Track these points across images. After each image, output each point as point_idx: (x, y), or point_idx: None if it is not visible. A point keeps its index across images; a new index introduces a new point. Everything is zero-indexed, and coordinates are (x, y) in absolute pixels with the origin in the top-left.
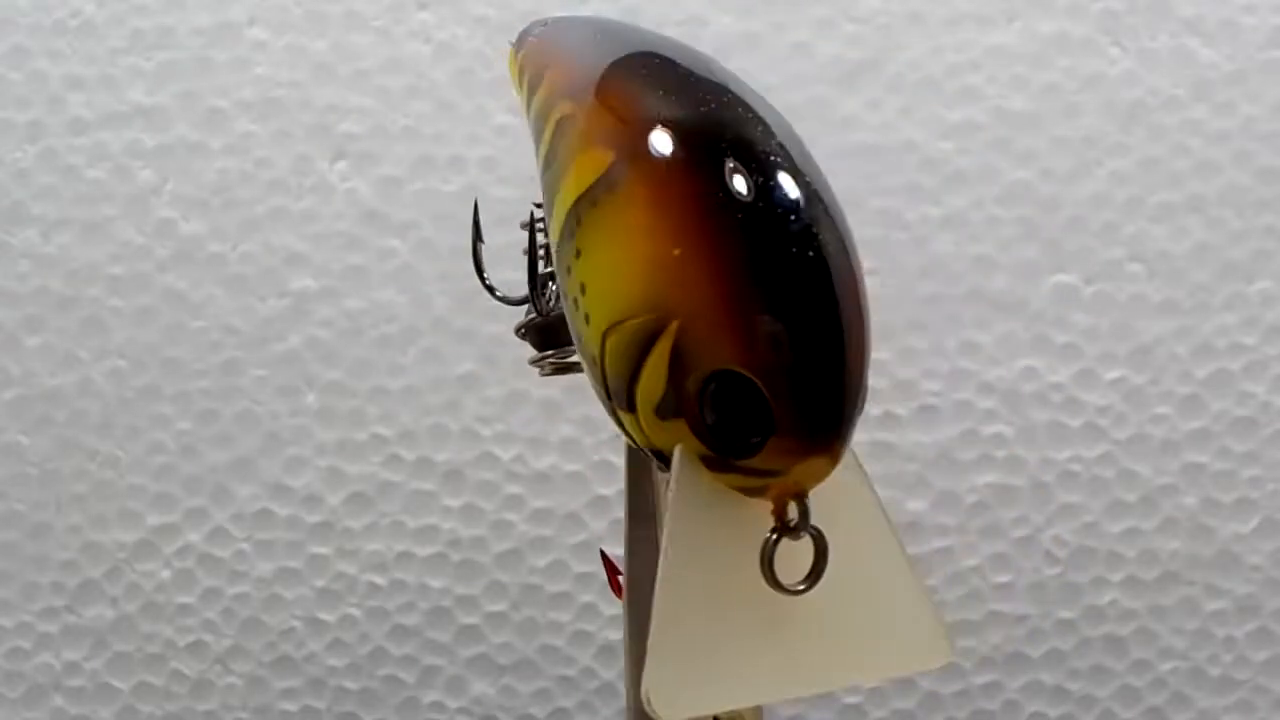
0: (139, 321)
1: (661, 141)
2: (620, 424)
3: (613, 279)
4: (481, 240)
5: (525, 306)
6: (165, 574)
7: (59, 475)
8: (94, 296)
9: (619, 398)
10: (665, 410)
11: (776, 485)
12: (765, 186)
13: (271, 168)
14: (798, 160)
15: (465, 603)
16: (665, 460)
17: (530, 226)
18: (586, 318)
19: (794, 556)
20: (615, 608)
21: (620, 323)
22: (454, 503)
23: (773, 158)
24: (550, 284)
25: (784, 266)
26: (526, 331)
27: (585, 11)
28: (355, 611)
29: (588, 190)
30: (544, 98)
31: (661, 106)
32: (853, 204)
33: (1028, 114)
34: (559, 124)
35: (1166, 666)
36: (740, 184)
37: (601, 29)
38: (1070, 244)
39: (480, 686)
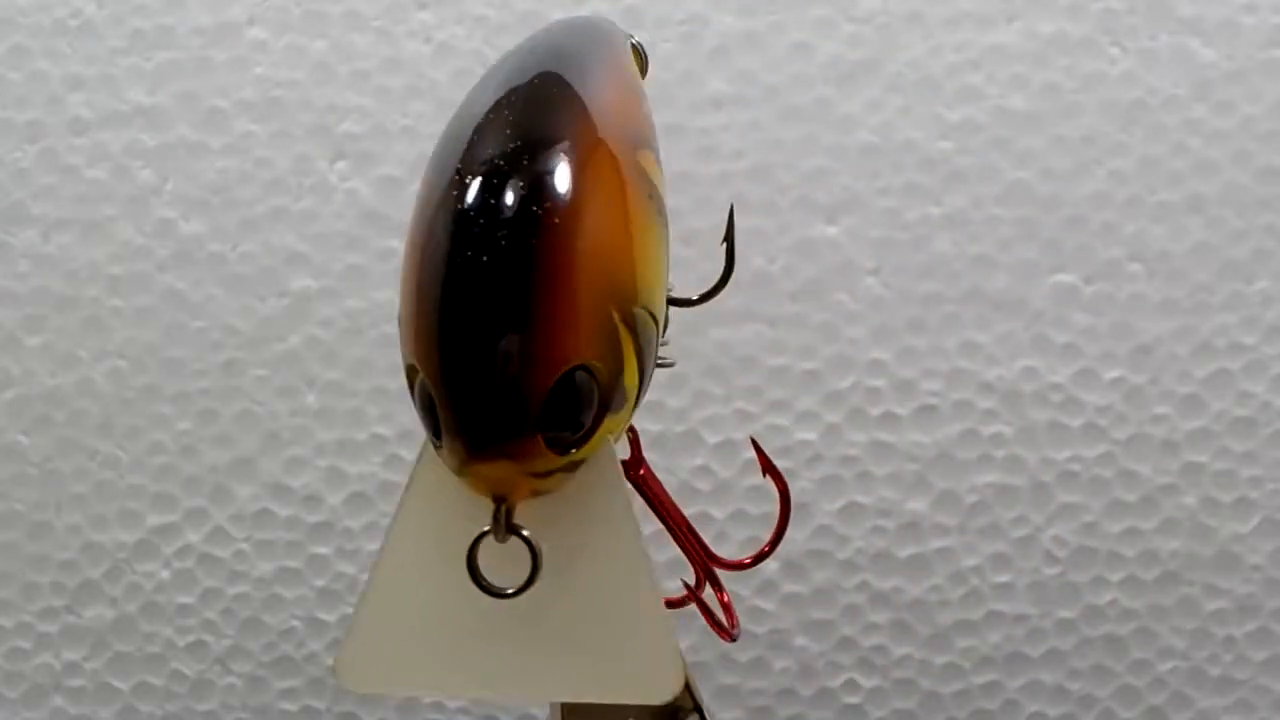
0: (139, 321)
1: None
2: None
3: None
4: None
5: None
6: (165, 574)
7: (59, 475)
8: (94, 296)
9: None
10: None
11: (471, 485)
12: (465, 192)
13: (271, 168)
14: (532, 167)
15: None
16: None
17: (729, 217)
18: None
19: (523, 562)
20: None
21: None
22: None
23: (497, 162)
24: None
25: (458, 268)
26: None
27: (584, 11)
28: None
29: None
30: None
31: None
32: (853, 204)
33: (1027, 114)
34: None
35: (1166, 666)
36: (448, 192)
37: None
38: (1070, 244)
39: None
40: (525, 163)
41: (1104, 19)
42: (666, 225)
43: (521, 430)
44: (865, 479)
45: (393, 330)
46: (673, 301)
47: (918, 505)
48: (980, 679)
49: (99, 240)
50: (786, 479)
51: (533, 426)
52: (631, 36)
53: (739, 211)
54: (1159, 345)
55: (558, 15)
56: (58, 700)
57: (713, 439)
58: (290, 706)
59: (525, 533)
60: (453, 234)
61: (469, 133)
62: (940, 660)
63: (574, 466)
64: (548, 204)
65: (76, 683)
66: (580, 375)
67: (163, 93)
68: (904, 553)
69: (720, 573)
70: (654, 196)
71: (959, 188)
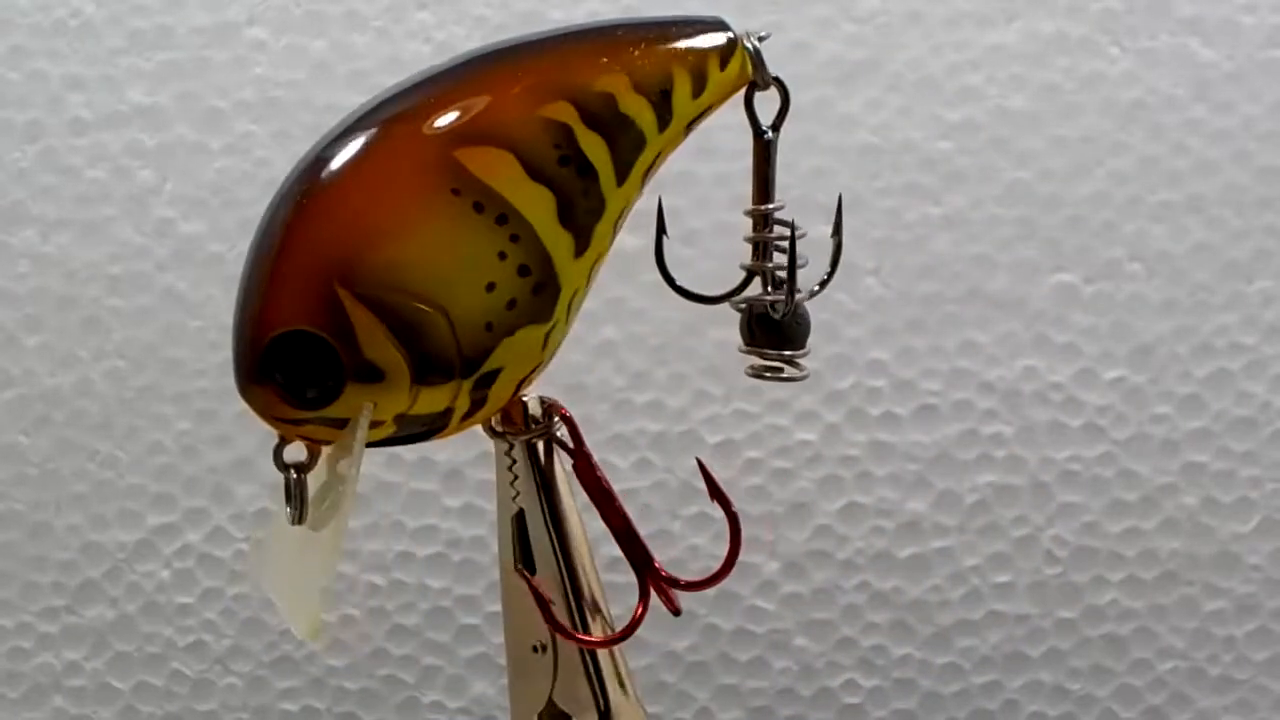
0: (139, 321)
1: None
2: None
3: None
4: (665, 234)
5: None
6: (165, 574)
7: (59, 475)
8: (94, 296)
9: None
10: None
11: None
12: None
13: (271, 168)
14: (326, 152)
15: (465, 603)
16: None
17: (791, 231)
18: None
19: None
20: (615, 607)
21: None
22: (454, 503)
23: (335, 134)
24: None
25: (252, 246)
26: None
27: (581, 12)
28: (355, 611)
29: None
30: None
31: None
32: (853, 204)
33: (1027, 114)
34: None
35: (1166, 666)
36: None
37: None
38: (1070, 243)
39: (480, 686)
40: (321, 153)
41: (1104, 19)
42: (492, 220)
43: (249, 379)
44: (865, 479)
45: None
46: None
47: (918, 505)
48: (980, 679)
49: (98, 240)
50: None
51: (256, 378)
52: (751, 35)
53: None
54: (1159, 345)
55: (558, 15)
56: (58, 700)
57: (713, 439)
58: (290, 706)
59: (286, 464)
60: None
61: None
62: (940, 660)
63: (338, 423)
64: (306, 187)
65: (77, 683)
66: (305, 338)
67: (162, 93)
68: (904, 553)
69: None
70: (462, 191)
71: (959, 188)
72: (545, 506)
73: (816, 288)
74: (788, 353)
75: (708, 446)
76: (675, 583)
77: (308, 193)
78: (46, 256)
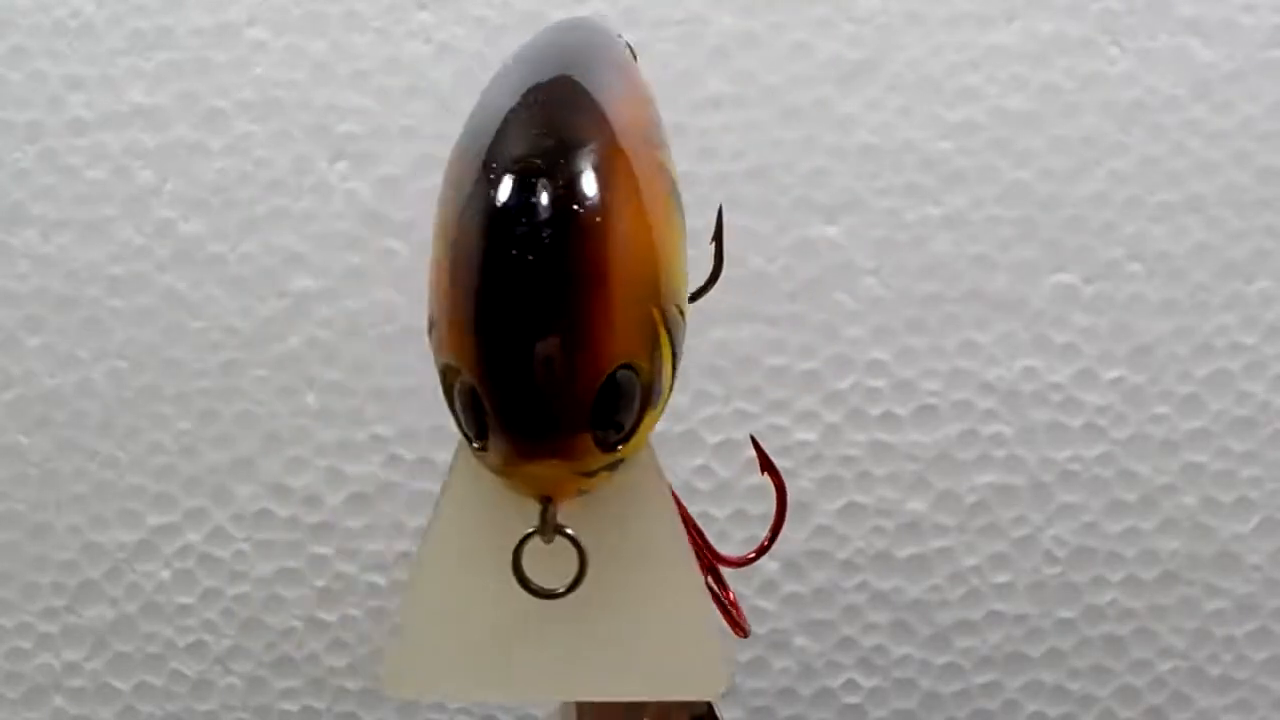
0: (139, 321)
1: (455, 148)
2: None
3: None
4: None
5: None
6: (165, 574)
7: (59, 475)
8: (94, 296)
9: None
10: (448, 403)
11: (517, 486)
12: (500, 191)
13: (271, 168)
14: (567, 166)
15: None
16: None
17: (719, 217)
18: None
19: (573, 561)
20: None
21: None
22: None
23: (525, 163)
24: None
25: (501, 268)
26: None
27: (584, 12)
28: (355, 611)
29: None
30: None
31: (471, 114)
32: (853, 204)
33: (1027, 114)
34: None
35: (1166, 666)
36: (485, 190)
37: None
38: (1070, 244)
39: None
40: (561, 162)
41: (1103, 19)
42: (685, 222)
43: (572, 430)
44: (865, 479)
45: (393, 330)
46: None
47: (918, 505)
48: (980, 679)
49: (99, 240)
50: (784, 478)
51: (582, 426)
52: (620, 36)
53: (739, 211)
54: (1159, 345)
55: (558, 15)
56: (58, 700)
57: (713, 439)
58: (290, 706)
59: (570, 532)
60: (491, 233)
61: (493, 128)
62: (940, 660)
63: (616, 464)
64: (586, 203)
65: (77, 683)
66: (624, 374)
67: (162, 93)
68: (904, 553)
69: (724, 571)
70: (674, 193)
71: (959, 188)
72: None
73: (696, 291)
74: None
75: (708, 446)
76: (745, 561)
77: (589, 211)
78: (47, 257)
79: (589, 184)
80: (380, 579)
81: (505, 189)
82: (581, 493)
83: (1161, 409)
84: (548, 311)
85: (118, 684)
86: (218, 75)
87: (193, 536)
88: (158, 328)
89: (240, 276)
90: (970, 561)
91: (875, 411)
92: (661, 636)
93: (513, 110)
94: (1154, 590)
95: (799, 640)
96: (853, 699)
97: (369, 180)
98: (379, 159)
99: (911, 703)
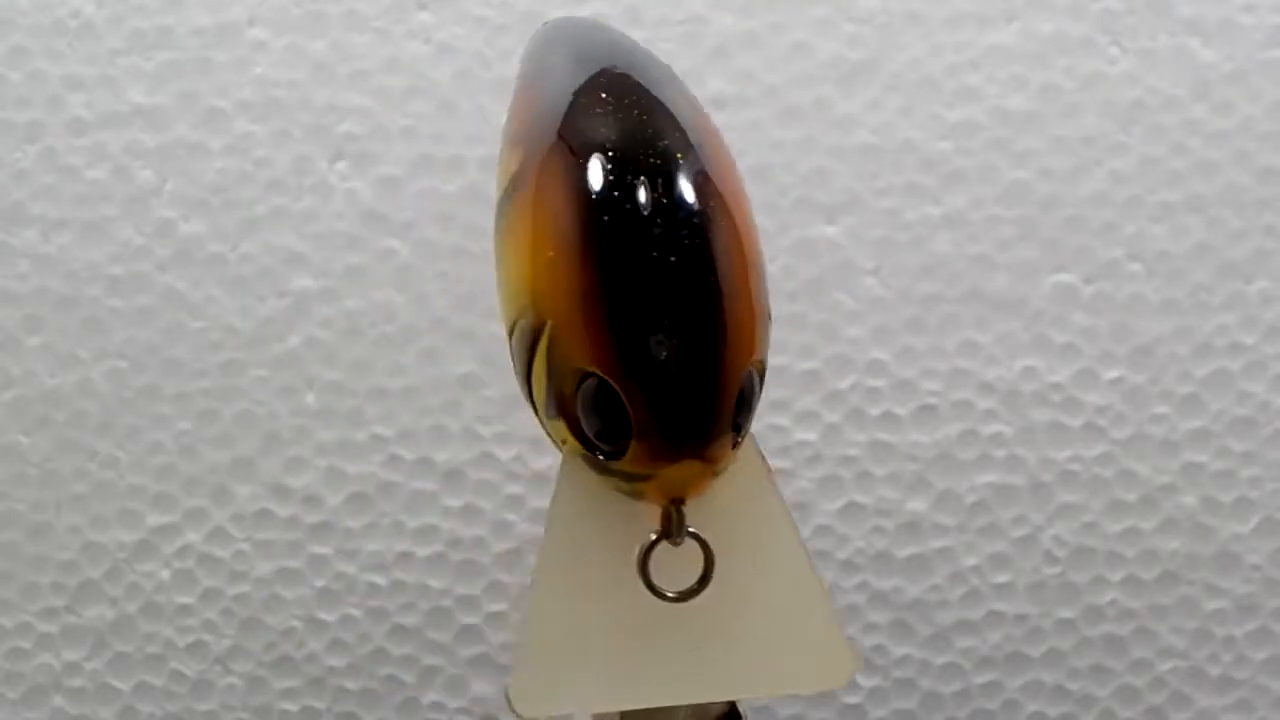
0: (139, 321)
1: (552, 145)
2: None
3: (509, 279)
4: None
5: None
6: (165, 574)
7: (59, 475)
8: (94, 296)
9: (524, 395)
10: (550, 410)
11: (650, 490)
12: (635, 190)
13: (271, 168)
14: (684, 162)
15: (465, 603)
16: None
17: None
18: (501, 315)
19: (686, 563)
20: None
21: (515, 322)
22: (454, 503)
23: (653, 160)
24: None
25: (643, 270)
26: None
27: (585, 11)
28: (355, 611)
29: (506, 188)
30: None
31: (558, 108)
32: (853, 204)
33: (1027, 114)
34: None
35: (1166, 666)
36: (613, 189)
37: (562, 30)
38: (1070, 244)
39: (480, 686)
40: (681, 160)
41: (1104, 19)
42: None
43: (719, 430)
44: (865, 479)
45: (393, 330)
46: None
47: (918, 505)
48: (980, 679)
49: (99, 240)
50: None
51: (726, 426)
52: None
53: None
54: (1159, 345)
55: (558, 15)
56: (58, 700)
57: None
58: (290, 706)
59: (693, 531)
60: (626, 235)
61: (563, 108)
62: (940, 660)
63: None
64: (712, 201)
65: (76, 683)
66: (752, 371)
67: (163, 93)
68: (904, 553)
69: None
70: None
71: (959, 188)
72: None
73: None
74: None
75: None
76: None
77: (719, 209)
78: (47, 257)
79: (711, 180)
80: (380, 579)
81: (636, 190)
82: (703, 492)
83: (1161, 409)
84: (695, 312)
85: (118, 684)
86: (218, 75)
87: (193, 536)
88: (158, 328)
89: (240, 276)
90: (970, 561)
91: (875, 411)
92: (787, 629)
93: (586, 90)
94: (1154, 590)
95: None
96: (853, 699)
97: (369, 180)
98: (379, 159)
99: (911, 703)
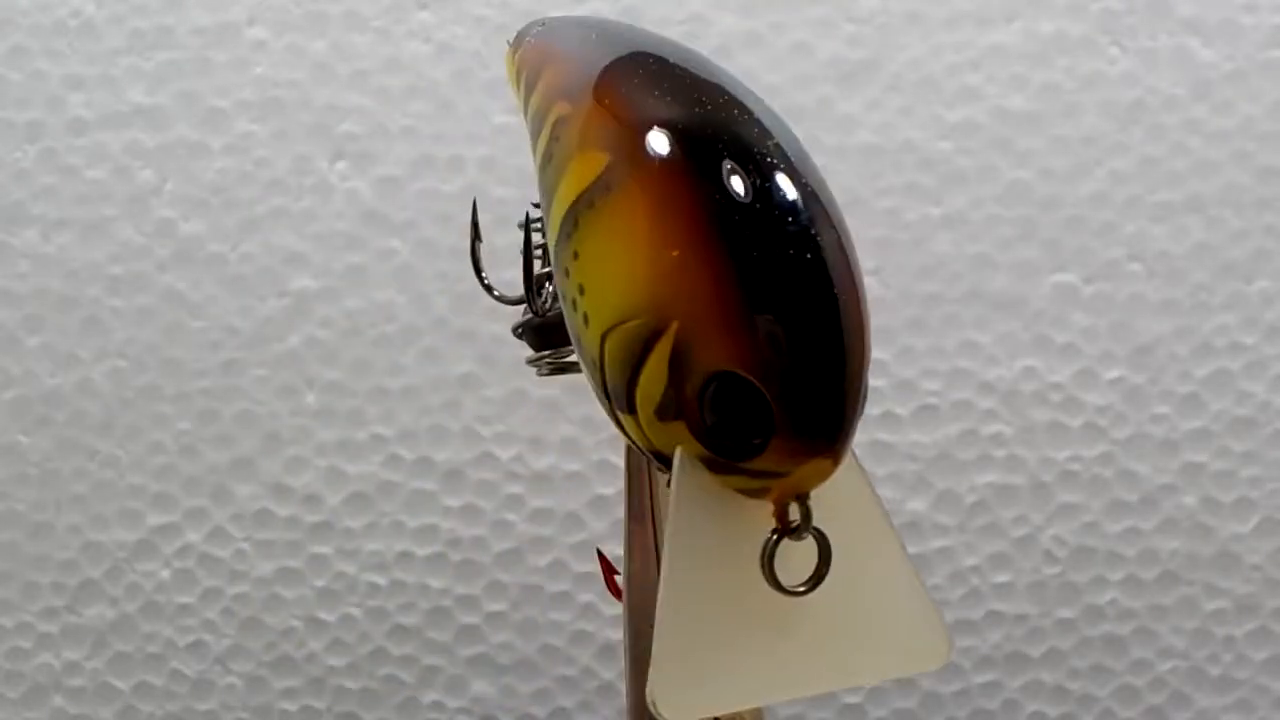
0: (139, 321)
1: (658, 143)
2: (620, 425)
3: (612, 281)
4: (480, 240)
5: (523, 306)
6: (165, 574)
7: (59, 475)
8: (94, 296)
9: (618, 399)
10: (666, 412)
11: (778, 486)
12: (762, 188)
13: (271, 168)
14: (795, 161)
15: (465, 603)
16: (665, 461)
17: (526, 226)
18: (586, 319)
19: (793, 557)
20: (615, 608)
21: (620, 324)
22: (454, 503)
23: (769, 159)
24: (547, 284)
25: (782, 268)
26: (524, 331)
27: (584, 11)
28: (355, 611)
29: (584, 192)
30: (541, 97)
31: (658, 108)
32: (853, 204)
33: (1027, 114)
34: (556, 124)
35: (1166, 666)
36: (737, 185)
37: (599, 29)
38: (1070, 243)
39: (480, 686)
40: (792, 158)
41: (1104, 19)
42: None
43: (850, 427)
44: None
45: (393, 330)
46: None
47: (918, 505)
48: (980, 679)
49: (99, 240)
50: None
51: (855, 420)
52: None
53: None
54: (1159, 345)
55: (557, 15)
56: (58, 700)
57: None
58: (290, 706)
59: (817, 526)
60: (764, 234)
61: (649, 105)
62: None
63: None
64: (826, 196)
65: (77, 683)
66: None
67: (163, 93)
68: None
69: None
70: None
71: (959, 188)
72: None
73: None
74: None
75: None
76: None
77: (830, 204)
78: (47, 256)
79: (816, 174)
80: (380, 579)
81: (767, 190)
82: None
83: (1161, 409)
84: (830, 310)
85: (118, 684)
86: (218, 75)
87: (193, 536)
88: (158, 328)
89: (240, 276)
90: (970, 561)
91: (875, 411)
92: (890, 614)
93: (719, 102)
94: (1154, 590)
95: None
96: (853, 699)
97: (369, 180)
98: (379, 159)
99: (911, 703)
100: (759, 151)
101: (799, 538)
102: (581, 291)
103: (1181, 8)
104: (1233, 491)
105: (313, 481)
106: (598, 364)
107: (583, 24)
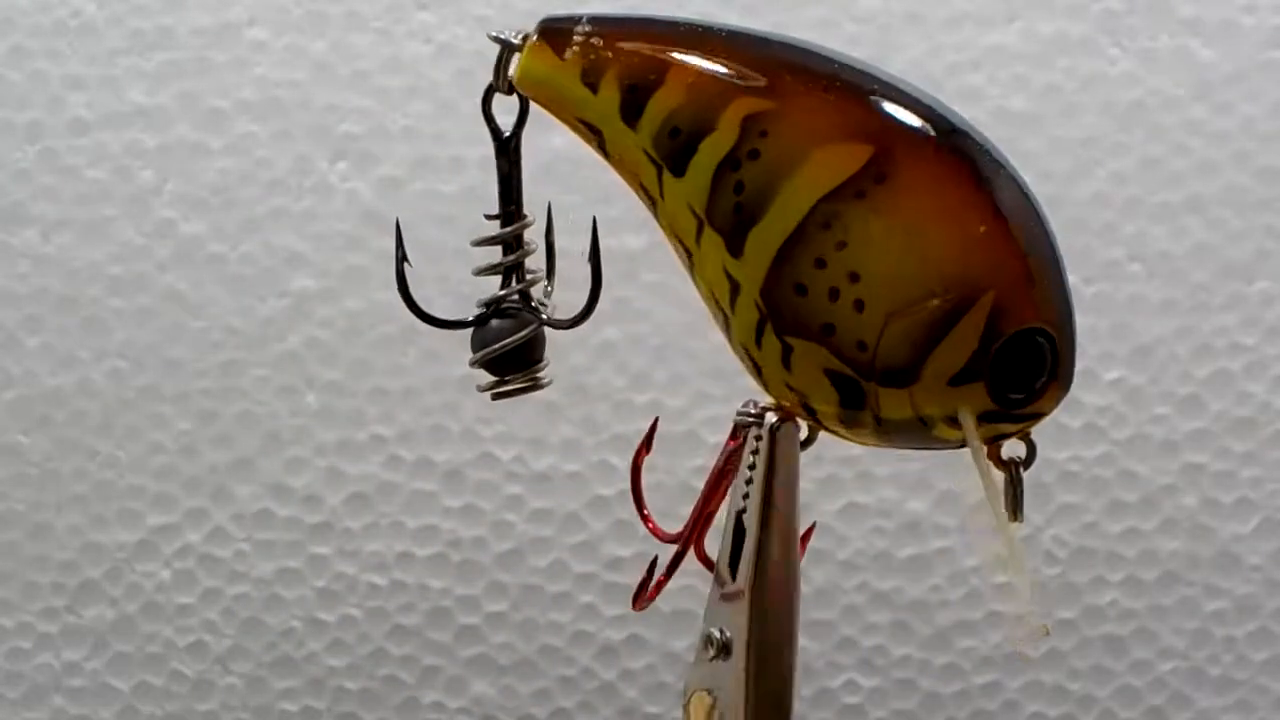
0: (139, 321)
1: (923, 129)
2: (857, 402)
3: (900, 264)
4: (407, 261)
5: (465, 330)
6: (165, 574)
7: (59, 475)
8: (94, 296)
9: (892, 376)
10: (966, 376)
11: (1028, 429)
12: (1006, 169)
13: (271, 168)
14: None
15: (465, 603)
16: (915, 427)
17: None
18: (860, 304)
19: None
20: (615, 608)
21: (917, 303)
22: (454, 503)
23: (984, 142)
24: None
25: (1042, 229)
26: (482, 360)
27: (585, 11)
28: (355, 611)
29: (846, 183)
30: (688, 93)
31: (889, 94)
32: None
33: (1028, 114)
34: (748, 120)
35: (1166, 666)
36: (995, 170)
37: (696, 22)
38: (1070, 244)
39: (480, 686)
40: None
41: (1104, 19)
42: None
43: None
44: (865, 479)
45: (393, 330)
46: (552, 323)
47: (918, 505)
48: (980, 679)
49: (99, 240)
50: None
51: None
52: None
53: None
54: (1159, 345)
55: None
56: (58, 700)
57: (713, 439)
58: (290, 706)
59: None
60: (1037, 209)
61: (883, 99)
62: (940, 660)
63: None
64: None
65: (76, 683)
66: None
67: (163, 93)
68: (904, 553)
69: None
70: None
71: None
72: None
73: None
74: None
75: (707, 446)
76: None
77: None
78: (47, 257)
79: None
80: (380, 579)
81: (1006, 169)
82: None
83: (1161, 409)
84: (1059, 277)
85: (118, 684)
86: (218, 75)
87: (193, 536)
88: (158, 328)
89: (240, 276)
90: (970, 561)
91: None
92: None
93: (908, 93)
94: (1154, 590)
95: (799, 640)
96: (853, 699)
97: (369, 180)
98: (379, 159)
99: (911, 703)
100: (979, 136)
101: (1027, 469)
102: (854, 279)
103: (1181, 8)
104: (1233, 492)
105: (313, 482)
106: (873, 346)
107: (661, 19)
